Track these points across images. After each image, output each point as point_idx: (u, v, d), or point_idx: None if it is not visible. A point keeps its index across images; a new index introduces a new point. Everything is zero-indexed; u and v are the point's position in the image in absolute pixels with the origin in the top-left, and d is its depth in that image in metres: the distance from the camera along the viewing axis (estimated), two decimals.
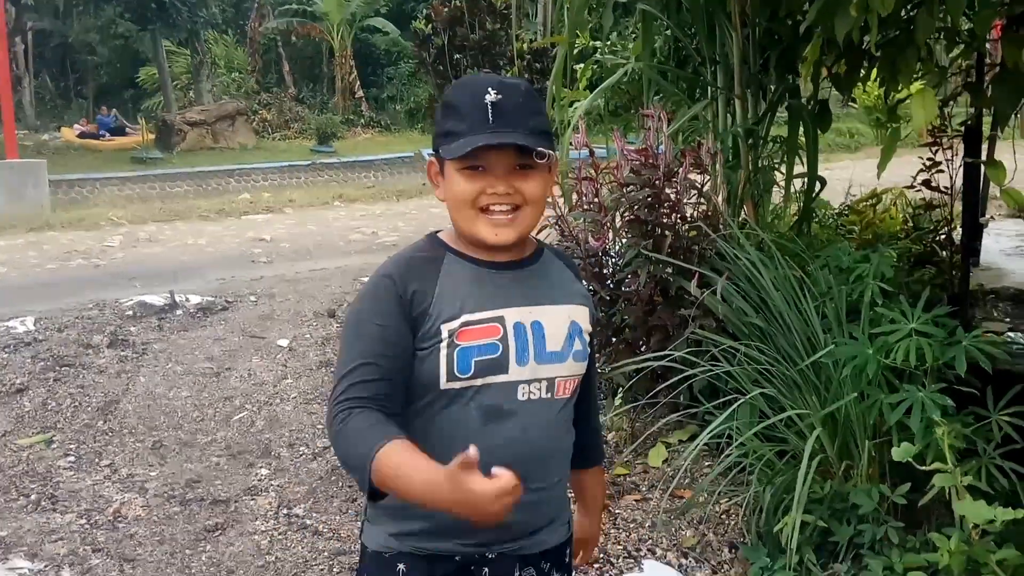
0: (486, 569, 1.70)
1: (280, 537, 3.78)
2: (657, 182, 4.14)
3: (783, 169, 5.33)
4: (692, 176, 4.30)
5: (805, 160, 5.20)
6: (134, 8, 23.85)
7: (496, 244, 1.65)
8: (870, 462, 3.26)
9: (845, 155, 20.40)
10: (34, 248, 11.04)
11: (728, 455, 3.42)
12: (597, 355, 4.50)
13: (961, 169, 5.40)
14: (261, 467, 4.44)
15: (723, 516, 3.66)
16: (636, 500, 3.85)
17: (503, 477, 1.39)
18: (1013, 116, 4.55)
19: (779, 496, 3.30)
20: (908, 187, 5.88)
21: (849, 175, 7.96)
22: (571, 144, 4.69)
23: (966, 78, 5.07)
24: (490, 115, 1.58)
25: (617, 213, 4.42)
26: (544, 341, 1.67)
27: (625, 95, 7.06)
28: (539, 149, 1.60)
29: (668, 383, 3.91)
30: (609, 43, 7.21)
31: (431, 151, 1.73)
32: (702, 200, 4.41)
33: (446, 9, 18.51)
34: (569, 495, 1.90)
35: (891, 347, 3.11)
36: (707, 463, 4.01)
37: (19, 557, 3.64)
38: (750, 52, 4.81)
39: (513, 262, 1.71)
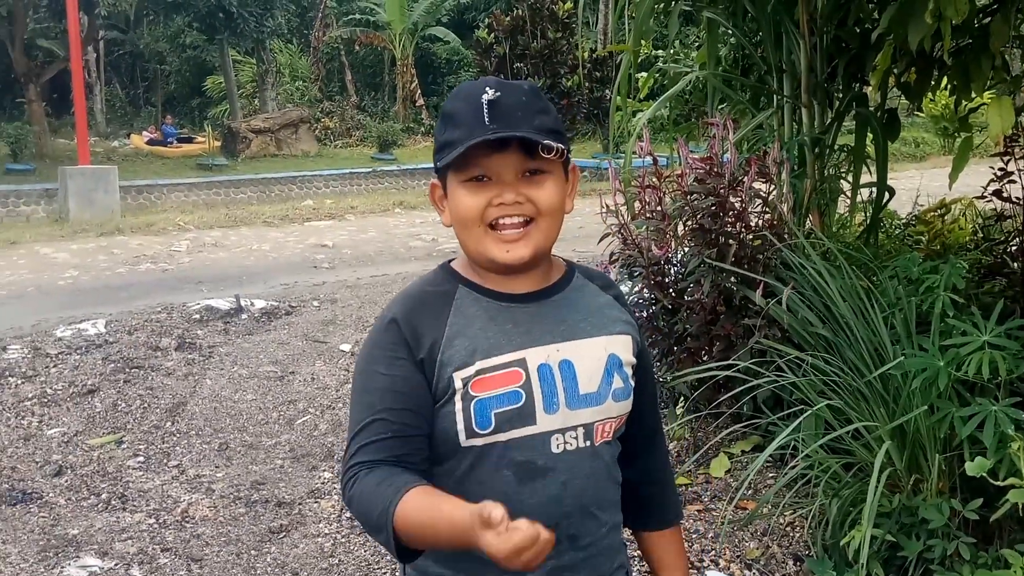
0: None
1: (343, 540, 3.82)
2: (722, 191, 4.11)
3: (849, 178, 5.26)
4: (757, 185, 4.26)
5: (872, 169, 5.12)
6: (203, 18, 24.36)
7: (509, 263, 1.43)
8: (940, 476, 3.20)
9: (911, 165, 20.08)
10: (104, 252, 11.31)
11: (793, 467, 3.38)
12: (657, 364, 4.49)
13: None
14: (324, 470, 4.49)
15: (787, 528, 3.62)
16: (698, 510, 3.82)
17: (520, 531, 1.18)
18: None
19: (845, 509, 3.25)
20: (978, 197, 5.76)
21: (916, 185, 7.83)
22: (635, 152, 4.68)
23: None
24: (486, 115, 1.39)
25: (680, 222, 4.40)
26: (576, 383, 1.46)
27: (688, 104, 7.03)
28: (545, 142, 1.37)
29: (731, 393, 3.87)
30: (672, 51, 7.19)
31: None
32: (767, 209, 4.37)
33: (508, 18, 18.60)
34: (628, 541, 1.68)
35: (963, 359, 3.05)
36: (770, 474, 3.97)
37: (90, 555, 3.72)
38: (817, 60, 4.75)
39: (536, 292, 1.50)
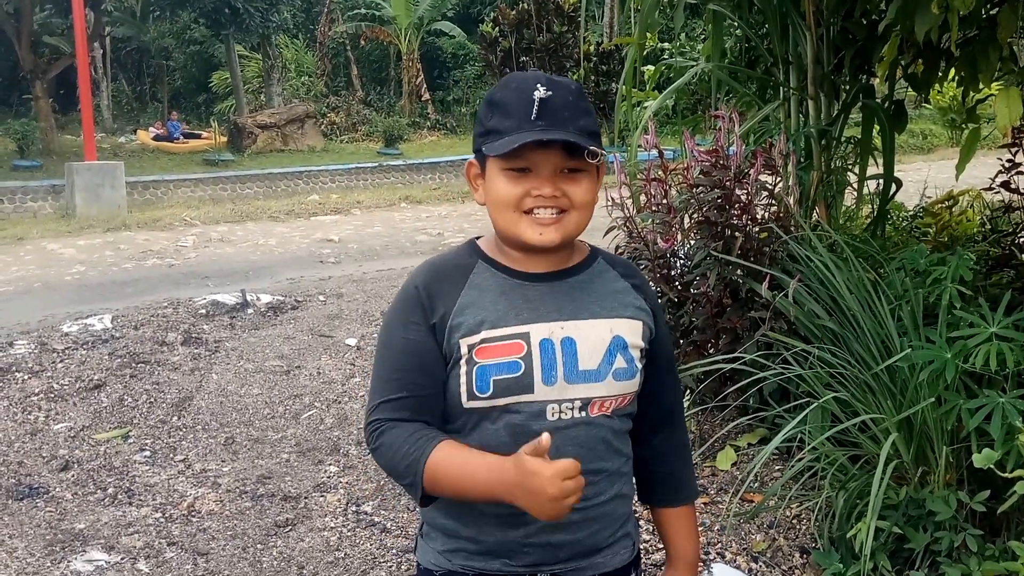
0: None
1: (349, 534, 3.82)
2: (728, 183, 4.10)
3: (856, 170, 5.24)
4: (763, 177, 4.24)
5: (880, 161, 5.10)
6: (209, 14, 24.39)
7: (540, 245, 1.54)
8: (947, 468, 3.18)
9: (918, 156, 20.02)
10: (111, 248, 11.33)
11: (800, 459, 3.37)
12: None
13: None
14: (330, 464, 4.49)
15: (794, 521, 3.61)
16: (705, 503, 3.81)
17: (565, 460, 1.38)
18: None
19: (852, 501, 3.24)
20: (986, 189, 5.74)
21: (923, 176, 7.80)
22: (640, 145, 4.66)
23: None
24: (535, 111, 1.48)
25: (686, 214, 4.39)
26: (576, 359, 1.55)
27: (693, 96, 7.01)
28: (591, 148, 1.49)
29: (737, 386, 3.86)
30: (677, 44, 7.17)
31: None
32: (773, 201, 4.35)
33: (513, 12, 18.56)
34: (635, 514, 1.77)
35: (970, 351, 3.04)
36: (777, 467, 3.96)
37: (96, 549, 3.73)
38: (824, 52, 4.73)
39: (552, 273, 1.60)
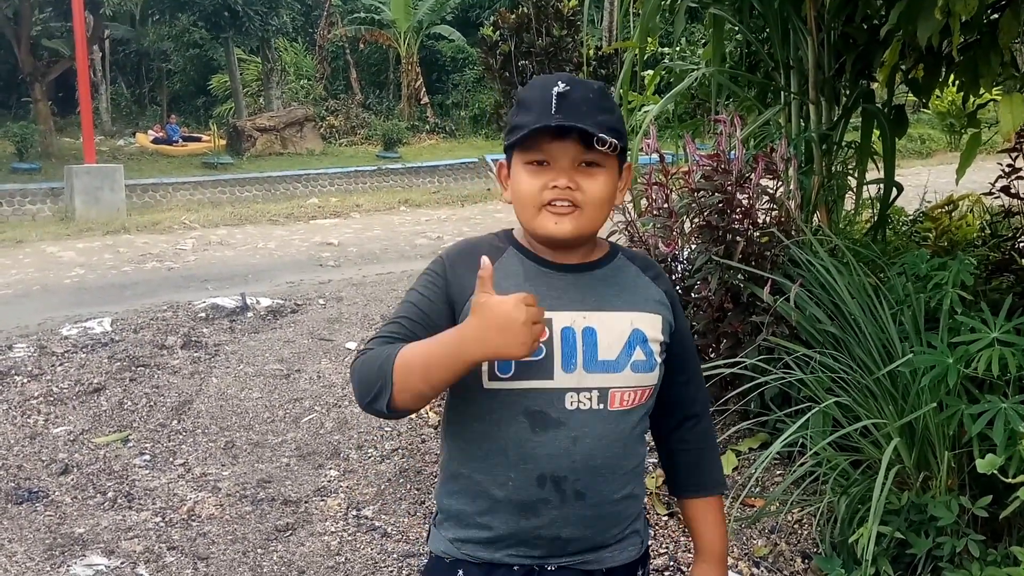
0: None
1: (349, 538, 3.81)
2: (729, 187, 4.10)
3: (856, 175, 5.24)
4: (764, 182, 4.25)
5: (880, 166, 5.10)
6: (208, 17, 24.40)
7: (557, 235, 1.58)
8: (949, 473, 3.18)
9: (917, 161, 20.03)
10: (110, 251, 11.32)
11: (802, 464, 3.37)
12: None
13: None
14: (330, 468, 4.48)
15: (795, 526, 3.60)
16: None
17: (520, 293, 1.42)
18: None
19: (854, 506, 3.24)
20: (986, 194, 5.74)
21: (922, 181, 7.80)
22: (641, 149, 4.67)
23: None
24: (553, 105, 1.53)
25: (687, 219, 4.39)
26: (596, 348, 1.59)
27: (694, 100, 7.01)
28: (600, 135, 1.52)
29: (738, 390, 3.86)
30: (678, 48, 7.17)
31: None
32: (774, 206, 4.35)
33: (513, 16, 18.59)
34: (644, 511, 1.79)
35: (972, 356, 3.04)
36: (778, 472, 3.96)
37: (96, 554, 3.72)
38: (824, 56, 4.74)
39: (576, 265, 1.65)
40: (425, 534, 3.81)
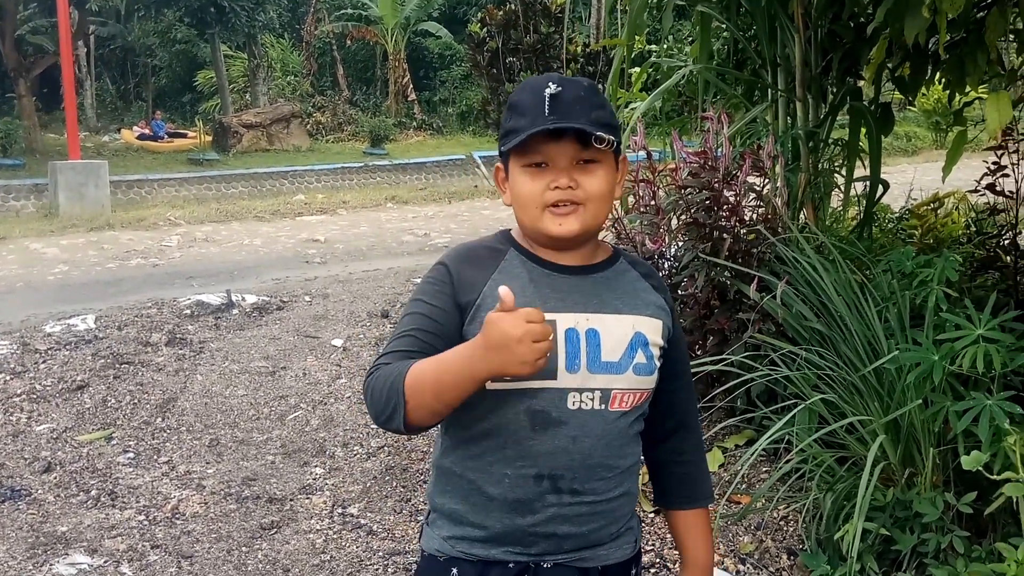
0: None
1: (335, 536, 3.79)
2: (716, 184, 4.10)
3: (843, 172, 5.25)
4: (751, 179, 4.25)
5: (866, 163, 5.11)
6: (194, 13, 24.28)
7: (561, 235, 1.59)
8: (934, 470, 3.19)
9: (903, 159, 20.12)
10: (95, 247, 11.26)
11: (788, 461, 3.37)
12: None
13: None
14: (316, 466, 4.47)
15: (781, 522, 3.61)
16: None
17: (527, 308, 1.42)
18: None
19: (840, 503, 3.24)
20: (971, 191, 5.76)
21: (908, 179, 7.83)
22: (628, 146, 4.66)
23: None
24: (547, 106, 1.54)
25: (674, 216, 4.39)
26: (599, 350, 1.60)
27: (681, 98, 7.01)
28: (598, 134, 1.53)
29: (725, 387, 3.86)
30: (665, 46, 7.17)
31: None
32: (761, 203, 4.35)
33: (500, 12, 18.52)
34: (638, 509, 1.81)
35: (957, 353, 3.04)
36: (764, 469, 3.96)
37: (79, 552, 3.69)
38: (812, 54, 4.74)
39: (579, 267, 1.65)
40: (411, 532, 3.80)
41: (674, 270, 4.40)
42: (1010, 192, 5.41)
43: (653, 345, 1.66)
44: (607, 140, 1.55)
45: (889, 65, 4.79)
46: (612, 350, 1.61)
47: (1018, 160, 5.23)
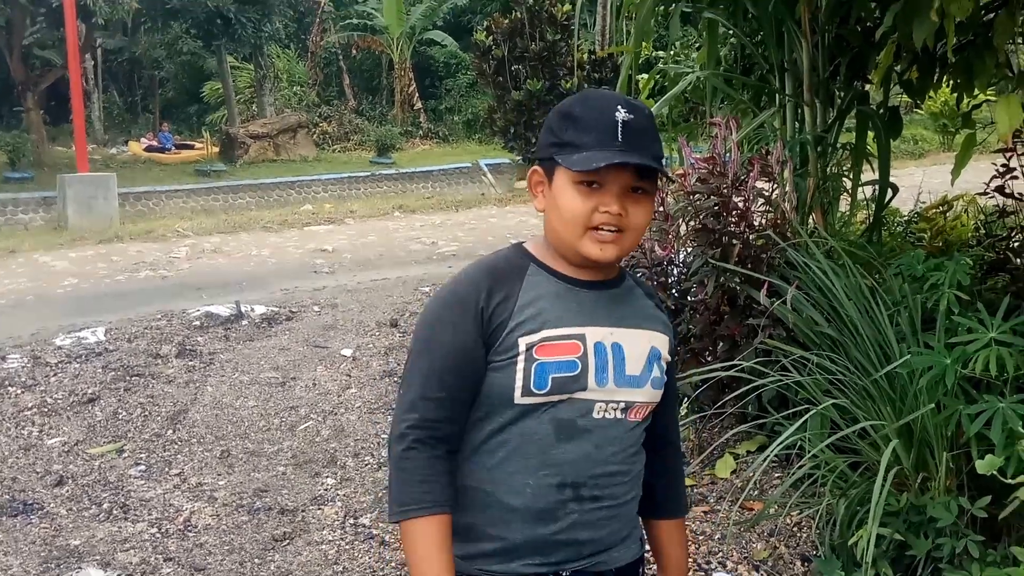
0: None
1: (347, 547, 3.79)
2: (725, 190, 4.09)
3: (851, 176, 5.24)
4: (760, 184, 4.24)
5: (875, 167, 5.10)
6: (200, 24, 24.35)
7: (599, 260, 1.60)
8: (947, 474, 3.17)
9: (911, 162, 20.06)
10: (103, 259, 11.29)
11: (800, 466, 3.36)
12: None
13: None
14: (327, 476, 4.47)
15: (794, 529, 3.59)
16: (704, 512, 3.79)
17: None
18: None
19: (853, 509, 3.22)
20: (980, 194, 5.74)
21: (916, 182, 7.81)
22: None
23: None
24: (620, 133, 1.54)
25: (683, 222, 4.38)
26: (624, 364, 1.63)
27: (687, 103, 7.01)
28: (668, 175, 1.62)
29: (735, 393, 3.85)
30: (672, 52, 7.17)
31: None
32: (770, 208, 4.34)
33: (506, 21, 18.54)
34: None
35: (969, 356, 3.03)
36: (776, 475, 3.95)
37: (92, 566, 3.70)
38: (819, 59, 4.73)
39: (598, 282, 1.67)
40: None
41: (683, 276, 4.39)
42: (1019, 194, 5.39)
43: (663, 360, 1.71)
44: (669, 179, 1.61)
45: (897, 69, 4.79)
46: (635, 364, 1.65)
47: None
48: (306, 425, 5.08)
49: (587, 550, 1.65)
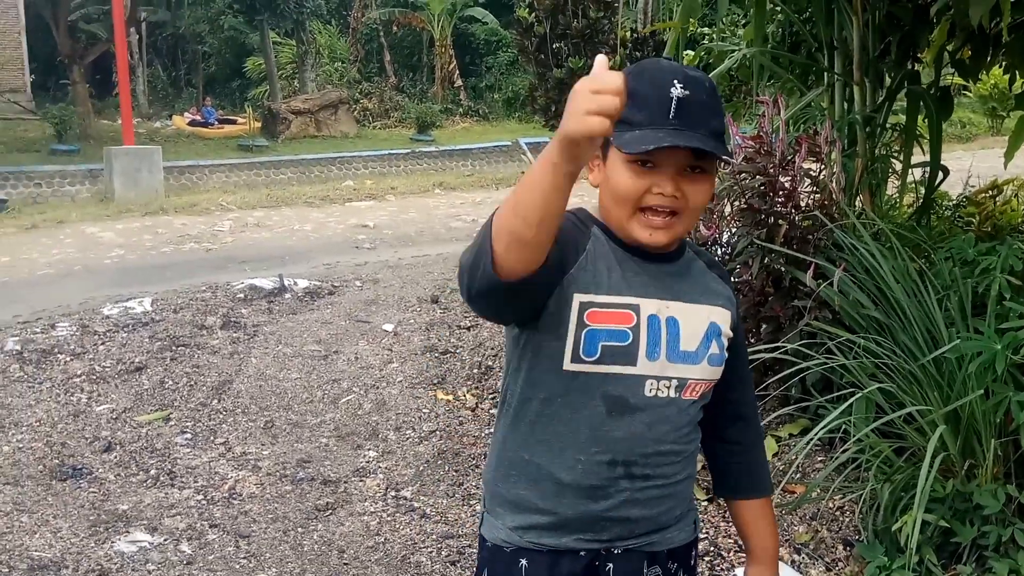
0: (611, 566, 1.63)
1: (388, 519, 3.83)
2: (771, 170, 4.06)
3: (900, 158, 5.17)
4: (806, 165, 4.20)
5: (925, 149, 5.02)
6: (243, 0, 24.45)
7: (649, 244, 1.55)
8: (995, 461, 3.14)
9: (958, 145, 19.73)
10: (149, 232, 11.42)
11: (844, 451, 3.34)
12: None
13: None
14: (369, 449, 4.51)
15: (837, 513, 3.58)
16: None
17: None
18: None
19: (897, 494, 3.20)
20: None
21: (964, 165, 7.67)
22: None
23: None
24: (673, 110, 1.46)
25: (728, 201, 4.35)
26: (678, 340, 1.58)
27: (733, 81, 6.94)
28: (724, 158, 1.53)
29: (779, 376, 3.83)
30: (718, 28, 7.10)
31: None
32: (816, 189, 4.30)
33: None
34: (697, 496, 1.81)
35: (1021, 342, 2.99)
36: (819, 458, 3.92)
37: (140, 530, 3.77)
38: (869, 37, 4.66)
39: (658, 255, 1.60)
40: (463, 516, 3.82)
41: (728, 256, 4.36)
42: None
43: (724, 336, 1.65)
44: (726, 156, 1.53)
45: (949, 48, 4.71)
46: (689, 340, 1.60)
47: None
48: (348, 398, 5.12)
49: (639, 528, 1.63)
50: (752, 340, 4.17)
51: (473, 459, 4.33)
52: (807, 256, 3.93)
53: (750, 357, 3.82)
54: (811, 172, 4.25)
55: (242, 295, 7.05)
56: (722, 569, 3.30)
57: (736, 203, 4.28)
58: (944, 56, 4.84)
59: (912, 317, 3.51)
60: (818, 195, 4.27)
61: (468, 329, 6.11)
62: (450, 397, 5.05)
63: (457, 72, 29.62)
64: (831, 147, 4.27)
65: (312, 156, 20.85)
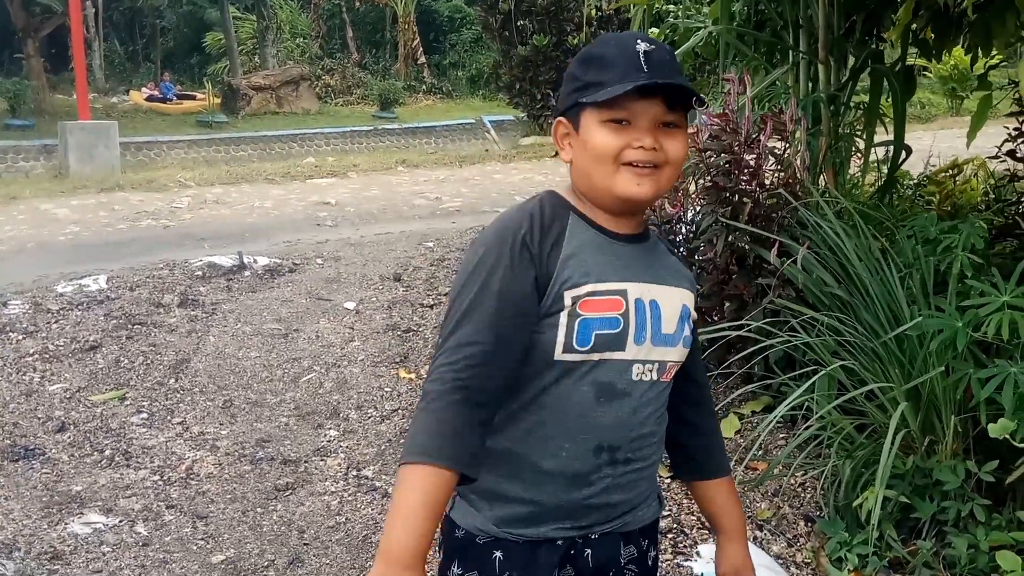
0: (589, 551, 1.63)
1: (350, 498, 3.79)
2: (736, 148, 4.04)
3: (863, 136, 5.18)
4: (771, 143, 4.19)
5: (889, 127, 5.04)
6: None
7: (635, 196, 1.53)
8: (955, 438, 3.16)
9: (918, 126, 19.89)
10: (105, 208, 11.22)
11: (807, 427, 3.35)
12: None
13: None
14: (330, 428, 4.46)
15: (799, 489, 3.59)
16: None
17: None
18: None
19: (858, 470, 3.22)
20: (991, 157, 5.70)
21: (925, 145, 7.73)
22: None
23: None
24: (643, 63, 1.49)
25: (693, 179, 4.33)
26: (660, 322, 1.58)
27: (697, 59, 6.92)
28: (699, 96, 1.52)
29: (743, 354, 3.83)
30: (683, 6, 7.07)
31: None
32: (781, 167, 4.29)
33: None
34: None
35: (981, 320, 3.00)
36: (781, 435, 3.93)
37: (94, 512, 3.69)
38: (834, 16, 4.66)
39: (632, 235, 1.61)
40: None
41: (692, 235, 4.35)
42: None
43: (691, 318, 1.67)
44: (704, 103, 1.55)
45: (913, 28, 4.71)
46: (669, 322, 1.60)
47: None
48: (309, 377, 5.06)
49: (617, 511, 1.63)
50: (716, 318, 4.18)
51: None
52: (771, 234, 3.93)
53: (714, 335, 3.86)
54: (776, 150, 4.24)
55: (200, 273, 6.95)
56: (685, 546, 3.30)
57: (701, 181, 4.26)
58: (909, 35, 4.84)
59: (874, 295, 3.52)
60: (782, 173, 4.27)
61: (431, 307, 6.07)
62: (412, 376, 5.01)
63: (421, 49, 29.42)
64: (796, 125, 4.26)
65: (273, 133, 20.63)
